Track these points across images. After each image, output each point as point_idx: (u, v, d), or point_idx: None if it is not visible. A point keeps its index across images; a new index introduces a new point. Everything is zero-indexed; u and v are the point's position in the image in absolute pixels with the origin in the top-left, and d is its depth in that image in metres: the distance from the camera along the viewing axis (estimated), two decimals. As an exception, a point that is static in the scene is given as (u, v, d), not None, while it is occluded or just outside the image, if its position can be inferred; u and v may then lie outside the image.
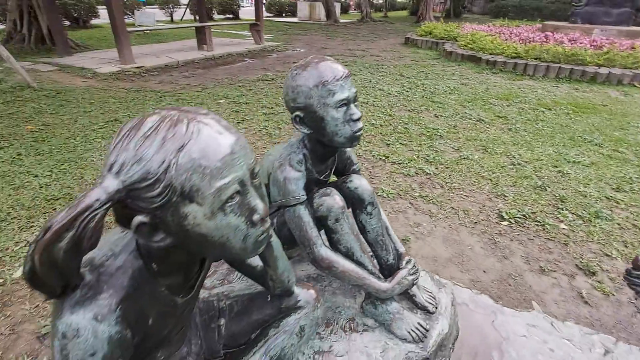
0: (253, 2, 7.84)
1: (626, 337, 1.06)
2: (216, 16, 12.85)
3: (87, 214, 0.33)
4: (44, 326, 1.05)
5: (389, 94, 3.60)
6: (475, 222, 1.59)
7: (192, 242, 0.40)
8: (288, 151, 0.74)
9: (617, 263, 1.36)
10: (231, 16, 13.07)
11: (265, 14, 8.89)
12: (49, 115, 2.78)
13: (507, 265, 1.35)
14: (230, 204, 0.39)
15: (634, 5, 6.14)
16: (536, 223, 1.58)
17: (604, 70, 4.14)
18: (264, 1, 11.85)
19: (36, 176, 1.85)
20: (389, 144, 2.38)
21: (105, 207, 0.35)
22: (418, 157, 2.21)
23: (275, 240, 0.56)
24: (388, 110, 3.06)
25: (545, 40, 5.24)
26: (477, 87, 3.87)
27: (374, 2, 20.79)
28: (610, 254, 1.40)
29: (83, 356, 0.36)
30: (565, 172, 2.01)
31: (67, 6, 8.23)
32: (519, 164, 2.11)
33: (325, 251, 0.70)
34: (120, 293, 0.39)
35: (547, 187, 1.85)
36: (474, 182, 1.93)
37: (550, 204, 1.71)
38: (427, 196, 1.79)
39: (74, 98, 3.22)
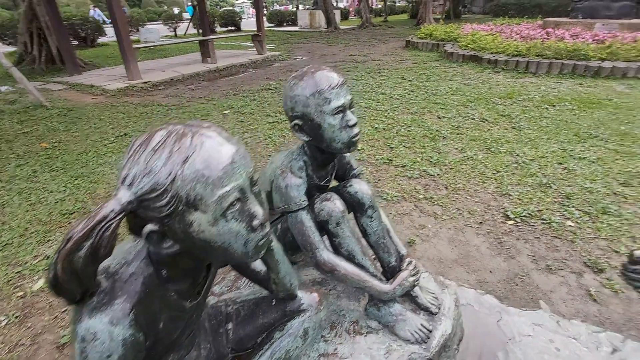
0: (254, 14, 7.98)
1: (636, 335, 1.05)
2: (218, 29, 13.09)
3: (103, 224, 0.36)
4: (63, 336, 1.09)
5: (391, 97, 3.63)
6: (481, 222, 1.60)
7: (197, 247, 0.43)
8: (289, 158, 0.76)
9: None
10: (233, 28, 13.30)
11: (266, 24, 9.03)
12: (61, 132, 2.87)
13: (513, 264, 1.35)
14: (231, 210, 0.42)
15: (636, -3, 6.08)
16: (542, 221, 1.57)
17: (607, 64, 4.10)
18: (265, 12, 12.05)
19: (51, 192, 1.92)
20: (392, 147, 2.40)
21: (119, 217, 0.38)
22: (422, 159, 2.22)
23: (276, 245, 0.59)
24: (391, 114, 3.09)
25: (546, 37, 5.22)
26: (480, 87, 3.87)
27: (374, 7, 20.96)
28: (618, 250, 1.38)
29: (100, 358, 0.39)
30: (570, 168, 2.00)
31: (74, 26, 8.49)
32: (523, 162, 2.10)
33: (327, 255, 0.72)
34: (133, 298, 0.42)
35: (552, 185, 1.84)
36: (479, 182, 1.93)
37: (556, 202, 1.70)
38: (431, 198, 1.80)
39: (85, 115, 3.32)
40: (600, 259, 1.34)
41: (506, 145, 2.36)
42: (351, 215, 0.83)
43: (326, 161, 0.81)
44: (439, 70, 4.87)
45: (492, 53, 5.02)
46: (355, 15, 19.51)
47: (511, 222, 1.59)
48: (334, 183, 0.90)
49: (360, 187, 0.81)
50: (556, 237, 1.48)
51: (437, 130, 2.65)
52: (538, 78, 4.20)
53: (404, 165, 2.13)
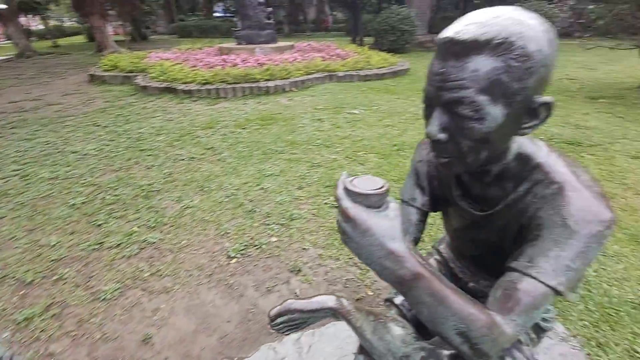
0: None
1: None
2: None
3: None
4: None
5: (86, 154, 3.10)
6: (210, 274, 1.70)
7: None
8: None
9: (312, 251, 1.85)
10: None
11: None
12: None
13: (243, 302, 1.54)
14: None
15: (273, 27, 8.18)
16: (255, 247, 1.87)
17: (271, 84, 5.34)
18: None
19: None
20: (99, 225, 2.07)
21: None
22: (139, 227, 2.06)
23: None
24: (89, 179, 2.64)
25: (224, 63, 6.09)
26: (182, 121, 4.02)
27: (32, 28, 16.80)
28: (306, 247, 1.88)
29: None
30: (265, 187, 2.48)
31: None
32: (232, 194, 2.40)
33: None
34: None
35: (256, 209, 2.22)
36: (200, 230, 2.03)
37: (261, 224, 2.08)
38: (158, 271, 1.72)
39: None
40: (297, 261, 1.77)
41: (216, 180, 2.60)
42: None
43: None
44: (137, 107, 4.63)
45: (184, 83, 5.30)
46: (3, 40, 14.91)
47: (234, 260, 1.79)
48: None
49: None
50: (268, 257, 1.81)
51: (149, 185, 2.53)
52: (229, 102, 4.87)
53: (120, 244, 1.90)
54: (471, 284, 0.85)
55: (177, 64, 6.15)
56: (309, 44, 9.17)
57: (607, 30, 5.40)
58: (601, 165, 2.72)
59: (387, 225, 0.48)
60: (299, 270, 1.71)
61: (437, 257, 0.95)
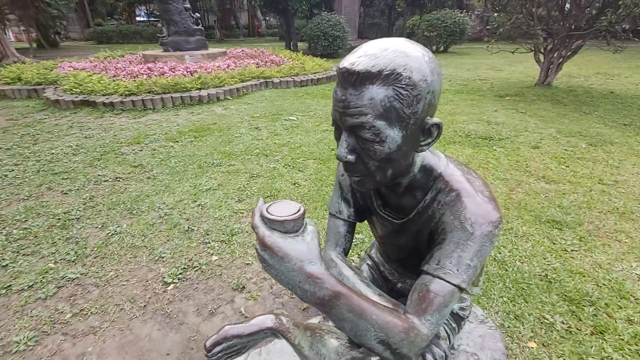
0: None
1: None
2: None
3: None
4: None
5: (-17, 184, 2.67)
6: (145, 305, 1.57)
7: None
8: None
9: (256, 266, 1.81)
10: None
11: None
12: None
13: (184, 330, 1.45)
14: None
15: (203, 33, 7.88)
16: (194, 269, 1.78)
17: (204, 93, 5.13)
18: None
19: None
20: (5, 266, 1.80)
21: None
22: (56, 262, 1.83)
23: None
24: (-11, 212, 2.28)
25: (150, 72, 5.70)
26: (104, 137, 3.67)
27: None
28: (249, 262, 1.84)
29: None
30: (203, 203, 2.37)
31: None
32: (166, 214, 2.26)
33: None
34: None
35: (193, 227, 2.11)
36: (131, 258, 1.87)
37: (200, 243, 1.98)
38: (82, 310, 1.54)
39: None
40: (241, 278, 1.72)
41: (147, 201, 2.42)
42: None
43: None
44: (48, 124, 4.11)
45: (104, 95, 4.85)
46: None
47: (171, 286, 1.68)
48: None
49: None
50: (209, 278, 1.73)
51: (66, 213, 2.26)
52: (158, 113, 4.57)
53: (32, 285, 1.67)
54: (399, 285, 0.91)
55: (95, 73, 5.61)
56: (242, 50, 9.02)
57: (509, 35, 6.17)
58: (509, 156, 3.10)
59: (304, 249, 0.50)
60: (243, 287, 1.67)
61: (369, 262, 1.00)
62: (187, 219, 2.20)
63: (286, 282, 0.50)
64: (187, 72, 5.79)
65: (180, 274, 1.74)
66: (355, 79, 0.50)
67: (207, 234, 2.05)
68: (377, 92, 0.50)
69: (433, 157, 0.66)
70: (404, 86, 0.50)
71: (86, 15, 18.96)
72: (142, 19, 26.35)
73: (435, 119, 0.56)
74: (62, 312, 1.53)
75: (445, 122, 4.14)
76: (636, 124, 3.96)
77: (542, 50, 5.89)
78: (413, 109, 0.52)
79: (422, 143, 0.58)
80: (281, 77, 6.35)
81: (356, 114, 0.52)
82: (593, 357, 1.27)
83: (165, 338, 1.42)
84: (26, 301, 1.58)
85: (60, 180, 2.73)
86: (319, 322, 0.97)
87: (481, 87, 6.25)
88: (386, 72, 0.49)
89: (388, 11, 17.84)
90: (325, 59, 8.64)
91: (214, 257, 1.87)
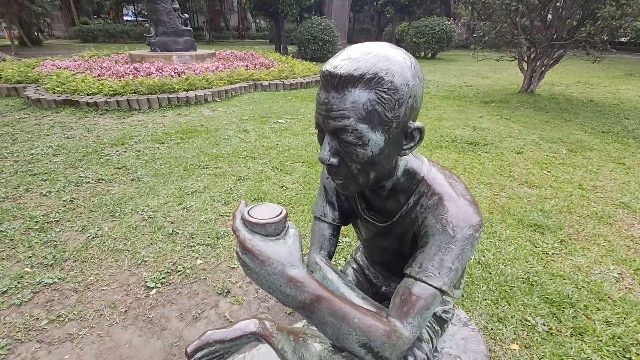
0: None
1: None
2: None
3: None
4: None
5: (-44, 185, 2.56)
6: (125, 311, 1.53)
7: None
8: None
9: (241, 270, 1.79)
10: None
11: None
12: None
13: (166, 336, 1.42)
14: None
15: (191, 34, 7.81)
16: (178, 273, 1.75)
17: (191, 94, 5.07)
18: None
19: None
20: (-23, 270, 1.73)
21: None
22: (32, 266, 1.77)
23: None
24: (-39, 214, 2.18)
25: (136, 72, 5.61)
26: (87, 138, 3.58)
27: None
28: (235, 266, 1.81)
29: None
30: (188, 206, 2.33)
31: None
32: (149, 217, 2.21)
33: None
34: None
35: (178, 231, 2.07)
36: (112, 262, 1.82)
37: (184, 247, 1.94)
38: (59, 316, 1.49)
39: None
40: (226, 282, 1.70)
41: (130, 203, 2.36)
42: None
43: None
44: (27, 124, 3.99)
45: (88, 95, 4.74)
46: None
47: (153, 291, 1.64)
48: None
49: None
50: (193, 282, 1.70)
51: (44, 216, 2.19)
52: (144, 114, 4.49)
53: (6, 291, 1.60)
54: (384, 288, 0.91)
55: (78, 72, 5.48)
56: (231, 52, 8.98)
57: (494, 44, 6.33)
58: (494, 161, 3.16)
59: (285, 253, 0.49)
60: (228, 292, 1.64)
61: (354, 265, 0.99)
62: (172, 222, 2.16)
63: (267, 286, 0.49)
64: (174, 73, 5.72)
65: (163, 278, 1.70)
66: (337, 82, 0.50)
67: (192, 237, 2.01)
68: (359, 96, 0.50)
69: (416, 161, 0.66)
70: (386, 90, 0.50)
71: (71, 13, 18.55)
72: (129, 18, 25.96)
73: (418, 123, 0.56)
74: (37, 318, 1.47)
75: (432, 127, 4.20)
76: (614, 131, 4.11)
77: (525, 59, 6.06)
78: (395, 113, 0.52)
79: (405, 147, 0.58)
80: (270, 80, 6.34)
81: (338, 116, 0.52)
82: (573, 358, 1.30)
83: (146, 344, 1.38)
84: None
85: (39, 181, 2.64)
86: (302, 326, 0.97)
87: (467, 94, 6.37)
88: (368, 76, 0.49)
89: (377, 17, 18.07)
90: (314, 62, 8.67)
91: (199, 261, 1.83)
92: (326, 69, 0.51)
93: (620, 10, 4.49)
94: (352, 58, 0.50)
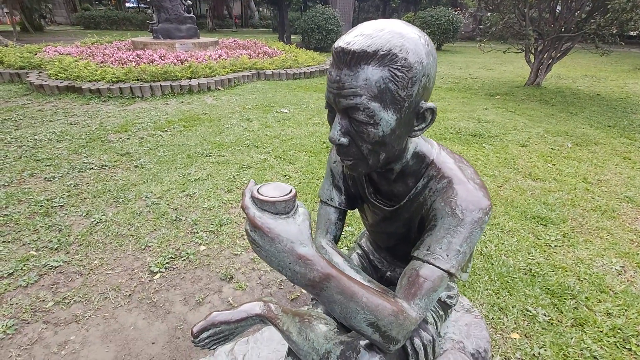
0: None
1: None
2: None
3: None
4: None
5: (-39, 169, 2.57)
6: (130, 294, 1.55)
7: None
8: None
9: (244, 256, 1.80)
10: None
11: None
12: None
13: (170, 319, 1.44)
14: None
15: (194, 21, 7.72)
16: (182, 259, 1.76)
17: (194, 82, 5.04)
18: None
19: None
20: (-16, 253, 1.74)
21: None
22: (38, 249, 1.78)
23: None
24: (-33, 198, 2.20)
25: (138, 59, 5.57)
26: (90, 124, 3.58)
27: None
28: (238, 253, 1.82)
29: None
30: (191, 193, 2.34)
31: None
32: (153, 203, 2.21)
33: None
34: None
35: (181, 217, 2.08)
36: (116, 246, 1.83)
37: (188, 233, 1.95)
38: (65, 298, 1.50)
39: None
40: (229, 268, 1.71)
41: (134, 189, 2.37)
42: None
43: None
44: (31, 110, 3.98)
45: (90, 81, 4.72)
46: None
47: (158, 275, 1.66)
48: None
49: None
50: (196, 267, 1.71)
51: (49, 200, 2.20)
52: (147, 102, 4.47)
53: (12, 272, 1.62)
54: (389, 274, 0.91)
55: (80, 59, 5.44)
56: (234, 40, 8.89)
57: (501, 35, 6.24)
58: (498, 154, 3.15)
59: (295, 231, 0.49)
60: (231, 278, 1.65)
61: (359, 251, 1.00)
62: (175, 209, 2.17)
63: (276, 264, 0.49)
64: (177, 60, 5.68)
65: (167, 263, 1.72)
66: (350, 59, 0.49)
67: (196, 224, 2.02)
68: (372, 73, 0.49)
69: (426, 144, 0.66)
70: (399, 67, 0.49)
71: (73, -1, 18.36)
72: (131, 5, 25.66)
73: (430, 104, 0.55)
74: (43, 300, 1.49)
75: (437, 119, 4.16)
76: (620, 126, 4.07)
77: (532, 51, 5.97)
78: (408, 92, 0.51)
79: (416, 127, 0.57)
80: (274, 69, 6.28)
81: (350, 94, 0.51)
82: (573, 348, 1.31)
83: (150, 327, 1.40)
84: (5, 289, 1.54)
85: (43, 166, 2.65)
86: (307, 309, 0.97)
87: (472, 86, 6.31)
88: (382, 53, 0.48)
89: (383, 6, 17.80)
90: (318, 52, 8.59)
91: (202, 247, 1.85)
92: (339, 45, 0.50)
93: (631, 1, 4.40)
94: (365, 34, 0.49)
